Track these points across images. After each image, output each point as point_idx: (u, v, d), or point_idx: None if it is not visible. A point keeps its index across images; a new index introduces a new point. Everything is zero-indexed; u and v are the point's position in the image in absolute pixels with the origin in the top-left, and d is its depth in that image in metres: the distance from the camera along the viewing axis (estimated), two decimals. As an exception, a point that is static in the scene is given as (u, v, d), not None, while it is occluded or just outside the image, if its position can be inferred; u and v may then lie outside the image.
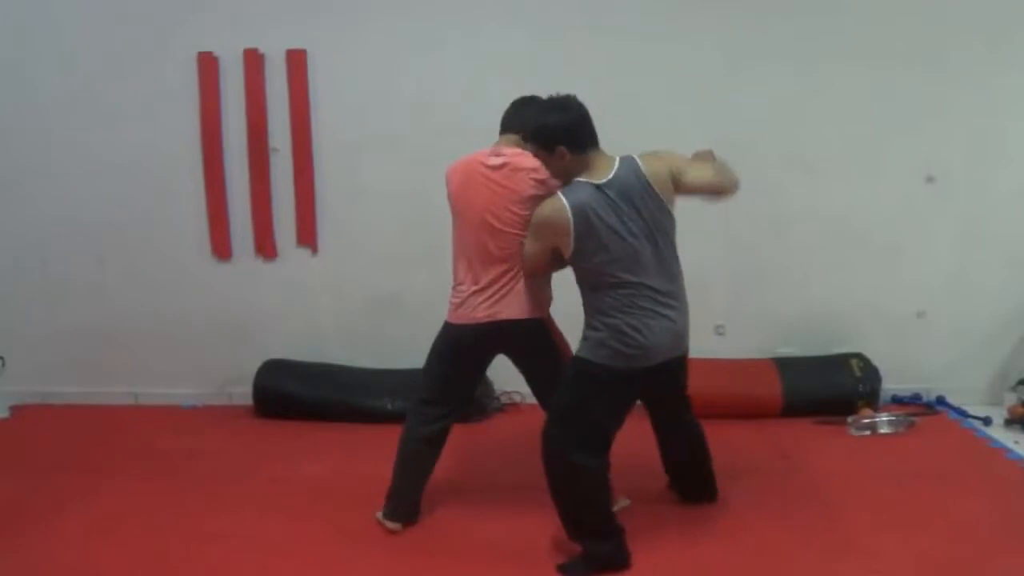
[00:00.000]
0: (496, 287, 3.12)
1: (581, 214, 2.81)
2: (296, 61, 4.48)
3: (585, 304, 2.96)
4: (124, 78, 4.51)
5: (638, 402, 3.17)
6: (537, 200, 3.01)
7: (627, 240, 2.84)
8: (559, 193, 2.88)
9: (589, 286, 2.93)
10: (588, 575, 2.97)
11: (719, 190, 3.03)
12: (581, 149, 2.89)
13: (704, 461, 3.42)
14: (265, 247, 4.67)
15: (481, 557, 3.13)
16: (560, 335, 3.26)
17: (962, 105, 4.41)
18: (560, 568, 3.00)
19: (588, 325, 2.94)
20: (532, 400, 4.61)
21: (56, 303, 4.76)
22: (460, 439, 4.25)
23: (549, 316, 3.25)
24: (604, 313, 2.88)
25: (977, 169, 4.47)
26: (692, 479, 3.46)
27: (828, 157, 4.48)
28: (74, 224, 4.68)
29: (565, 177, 2.94)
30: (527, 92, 4.38)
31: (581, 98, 4.34)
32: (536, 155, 2.97)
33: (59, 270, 4.74)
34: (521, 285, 3.13)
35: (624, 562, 3.00)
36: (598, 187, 2.84)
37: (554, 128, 2.88)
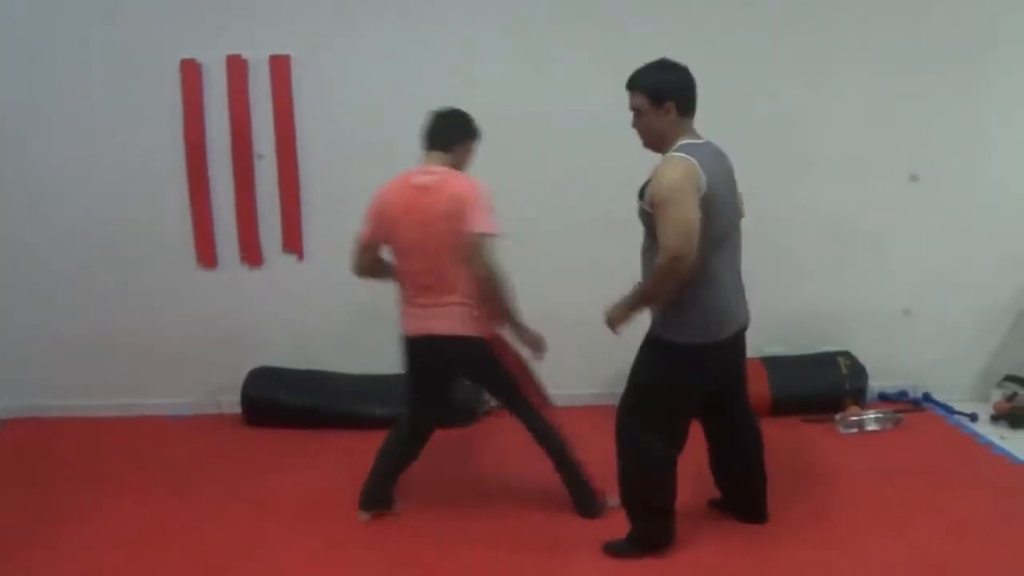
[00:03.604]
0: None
1: (712, 172, 2.78)
2: (280, 67, 4.46)
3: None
4: (107, 85, 4.48)
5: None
6: (449, 218, 3.06)
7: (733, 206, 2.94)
8: (680, 153, 2.78)
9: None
10: (635, 555, 3.06)
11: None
12: (687, 111, 2.86)
13: (762, 466, 3.31)
14: (250, 254, 4.65)
15: (475, 560, 3.13)
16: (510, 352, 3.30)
17: (948, 105, 4.44)
18: (607, 547, 3.11)
19: (675, 302, 2.86)
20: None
21: (43, 316, 4.72)
22: (453, 442, 4.27)
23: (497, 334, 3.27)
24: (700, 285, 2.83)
25: (963, 168, 4.50)
26: (747, 491, 3.33)
27: (814, 157, 4.50)
28: (57, 234, 4.64)
29: (658, 138, 2.87)
30: (516, 96, 4.43)
31: (576, 101, 4.39)
32: (638, 108, 2.87)
33: (44, 282, 4.70)
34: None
35: (667, 543, 3.10)
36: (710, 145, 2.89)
37: (669, 82, 2.84)
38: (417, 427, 3.46)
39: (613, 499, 3.26)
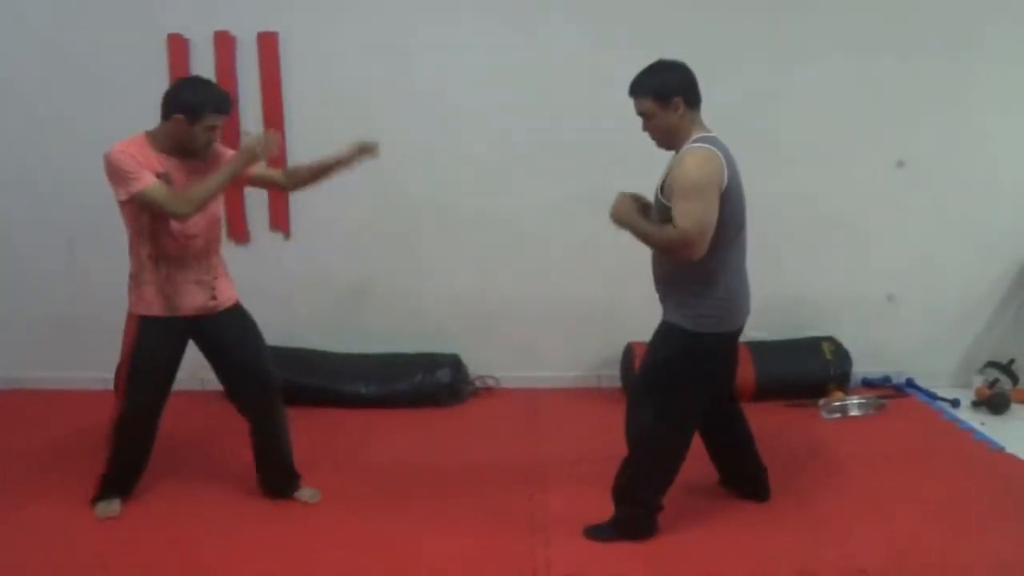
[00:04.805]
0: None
1: (730, 164, 2.80)
2: (268, 44, 4.42)
3: (681, 271, 2.88)
4: (93, 61, 4.43)
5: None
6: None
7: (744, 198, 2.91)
8: (704, 144, 2.77)
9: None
10: (615, 539, 3.06)
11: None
12: (694, 104, 2.86)
13: (755, 449, 3.38)
14: (237, 232, 4.62)
15: (455, 541, 3.14)
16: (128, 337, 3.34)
17: (934, 92, 4.45)
18: (588, 530, 3.09)
19: (694, 292, 2.89)
20: (507, 384, 4.66)
21: (27, 289, 4.69)
22: (437, 423, 4.27)
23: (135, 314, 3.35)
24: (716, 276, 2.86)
25: (948, 155, 4.52)
26: (749, 472, 3.40)
27: (800, 143, 4.50)
28: (43, 209, 4.60)
29: (672, 136, 2.86)
30: (501, 76, 4.41)
31: (555, 84, 4.38)
32: (645, 112, 2.85)
33: (29, 255, 4.67)
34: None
35: (650, 533, 3.09)
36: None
37: (672, 79, 2.83)
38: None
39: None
